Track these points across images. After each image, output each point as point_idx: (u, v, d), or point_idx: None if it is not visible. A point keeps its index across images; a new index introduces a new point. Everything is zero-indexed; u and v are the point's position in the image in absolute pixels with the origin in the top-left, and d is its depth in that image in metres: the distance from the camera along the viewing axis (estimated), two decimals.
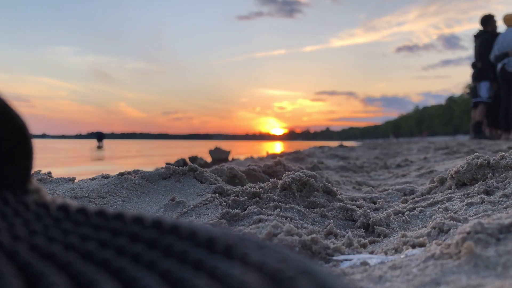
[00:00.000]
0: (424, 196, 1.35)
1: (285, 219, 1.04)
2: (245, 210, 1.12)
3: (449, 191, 1.32)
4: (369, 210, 1.13)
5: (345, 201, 1.26)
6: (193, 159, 5.29)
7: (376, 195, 1.50)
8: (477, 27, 7.11)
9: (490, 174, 1.28)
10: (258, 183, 1.37)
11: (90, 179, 1.55)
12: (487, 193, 1.17)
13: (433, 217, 1.04)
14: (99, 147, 16.86)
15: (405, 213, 1.14)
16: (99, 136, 24.93)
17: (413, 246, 0.78)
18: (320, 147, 6.40)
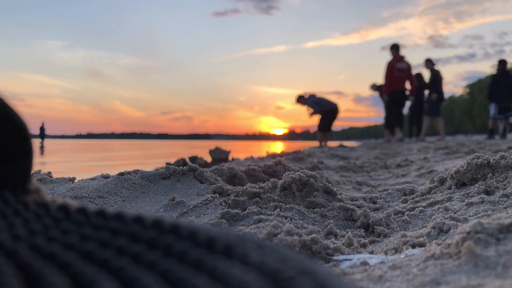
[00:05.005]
0: (424, 196, 1.35)
1: (285, 219, 1.04)
2: (245, 210, 1.12)
3: (449, 191, 1.32)
4: (369, 210, 1.13)
5: (345, 201, 1.26)
6: (193, 159, 5.29)
7: (376, 195, 1.50)
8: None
9: (490, 174, 1.28)
10: (258, 183, 1.38)
11: (90, 179, 1.55)
12: (487, 193, 1.17)
13: (433, 217, 1.04)
14: (41, 147, 14.90)
15: (405, 213, 1.14)
16: (41, 134, 23.72)
17: (413, 246, 0.78)
18: (320, 147, 6.40)
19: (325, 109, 9.13)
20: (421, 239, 0.80)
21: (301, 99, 9.36)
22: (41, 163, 5.53)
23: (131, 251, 0.25)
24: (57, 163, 6.12)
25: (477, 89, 55.30)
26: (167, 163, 1.72)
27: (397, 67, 8.38)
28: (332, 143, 9.35)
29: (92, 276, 0.22)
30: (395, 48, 8.53)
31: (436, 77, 9.24)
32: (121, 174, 1.50)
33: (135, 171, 1.58)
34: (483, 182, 1.24)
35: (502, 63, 9.32)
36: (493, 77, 9.44)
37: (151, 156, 9.14)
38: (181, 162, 4.38)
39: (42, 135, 24.51)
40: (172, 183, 1.46)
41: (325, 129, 9.18)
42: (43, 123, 24.55)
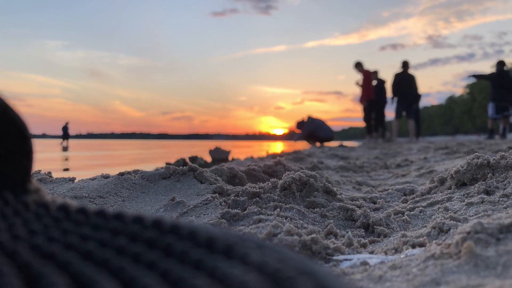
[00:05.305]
0: (424, 196, 1.35)
1: (285, 219, 1.04)
2: (245, 210, 1.12)
3: (449, 191, 1.32)
4: (369, 210, 1.13)
5: (345, 201, 1.26)
6: (193, 159, 5.29)
7: (376, 195, 1.50)
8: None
9: (490, 174, 1.28)
10: (258, 183, 1.37)
11: (90, 179, 1.55)
12: (487, 193, 1.17)
13: (433, 217, 1.04)
14: (64, 148, 14.16)
15: (405, 213, 1.14)
16: (65, 133, 22.12)
17: (413, 246, 0.78)
18: (320, 147, 6.40)
19: (320, 135, 9.91)
20: (421, 239, 0.80)
21: (300, 125, 10.10)
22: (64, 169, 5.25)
23: (131, 251, 0.25)
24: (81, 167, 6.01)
25: (477, 89, 55.32)
26: (167, 163, 1.72)
27: (371, 79, 9.83)
28: (332, 143, 9.37)
29: (92, 276, 0.22)
30: (360, 64, 9.81)
31: (381, 85, 10.19)
32: (121, 174, 1.50)
33: (135, 171, 1.58)
34: (483, 182, 1.24)
35: (500, 63, 9.45)
36: (491, 77, 9.57)
37: (151, 156, 9.13)
38: (181, 162, 4.38)
39: (66, 135, 22.58)
40: (172, 183, 1.46)
41: (308, 140, 10.13)
42: (67, 123, 22.62)
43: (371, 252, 0.82)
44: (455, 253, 0.61)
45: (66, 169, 4.85)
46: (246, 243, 0.26)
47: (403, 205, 1.27)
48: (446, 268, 0.57)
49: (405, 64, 9.81)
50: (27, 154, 0.39)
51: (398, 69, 9.92)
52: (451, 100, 74.44)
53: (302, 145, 9.84)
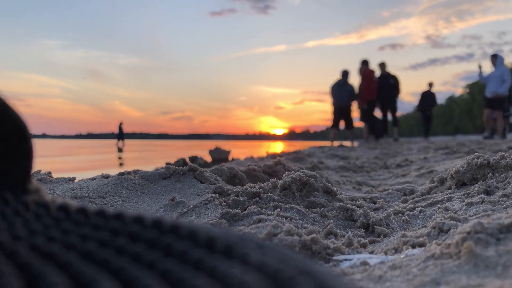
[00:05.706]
0: (424, 196, 1.35)
1: (285, 219, 1.04)
2: (245, 210, 1.12)
3: (449, 191, 1.32)
4: (369, 210, 1.13)
5: (345, 201, 1.26)
6: (193, 159, 5.30)
7: (376, 195, 1.50)
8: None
9: (490, 174, 1.28)
10: (258, 183, 1.37)
11: (90, 179, 1.55)
12: (487, 193, 1.17)
13: (433, 217, 1.04)
14: (120, 149, 13.72)
15: (405, 213, 1.14)
16: (120, 133, 21.00)
17: (413, 246, 0.78)
18: (320, 147, 6.40)
19: (334, 104, 9.47)
20: (421, 239, 0.80)
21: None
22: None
23: (131, 251, 0.25)
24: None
25: (477, 89, 55.29)
26: (167, 163, 1.72)
27: (373, 79, 9.53)
28: (331, 143, 9.35)
29: (92, 276, 0.22)
30: (365, 63, 9.62)
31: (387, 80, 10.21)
32: (121, 174, 1.50)
33: (135, 171, 1.58)
34: (483, 182, 1.24)
35: None
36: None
37: (151, 156, 9.12)
38: (181, 162, 4.38)
39: (121, 134, 21.32)
40: (172, 183, 1.46)
41: (332, 126, 9.57)
42: (121, 123, 21.23)
43: (371, 252, 0.82)
44: (455, 253, 0.61)
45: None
46: (246, 243, 0.26)
47: (403, 205, 1.27)
48: (446, 268, 0.57)
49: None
50: (27, 154, 0.39)
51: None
52: (451, 100, 74.41)
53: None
